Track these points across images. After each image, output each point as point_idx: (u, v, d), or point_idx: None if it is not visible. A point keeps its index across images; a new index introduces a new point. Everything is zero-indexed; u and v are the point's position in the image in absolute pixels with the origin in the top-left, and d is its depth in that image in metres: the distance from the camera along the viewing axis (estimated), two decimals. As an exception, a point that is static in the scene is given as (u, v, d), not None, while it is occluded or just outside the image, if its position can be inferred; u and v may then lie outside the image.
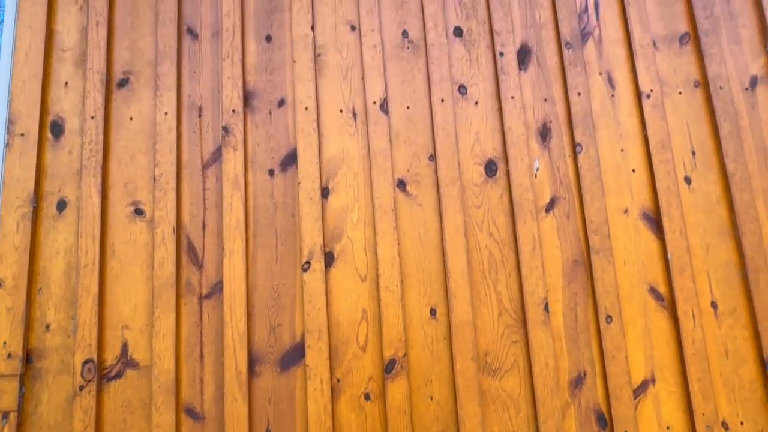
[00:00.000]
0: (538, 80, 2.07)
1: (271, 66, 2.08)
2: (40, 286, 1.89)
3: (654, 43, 2.10)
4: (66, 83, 2.05)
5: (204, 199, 1.96)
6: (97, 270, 1.87)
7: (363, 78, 2.06)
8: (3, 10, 2.14)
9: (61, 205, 1.95)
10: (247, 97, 2.05)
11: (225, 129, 2.00)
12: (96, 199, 1.93)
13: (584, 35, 2.11)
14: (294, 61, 2.06)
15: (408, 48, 2.10)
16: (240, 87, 2.03)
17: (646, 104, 2.03)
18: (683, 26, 2.13)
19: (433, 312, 1.88)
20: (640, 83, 2.05)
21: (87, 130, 1.99)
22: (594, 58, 2.09)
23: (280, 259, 1.92)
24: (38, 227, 1.93)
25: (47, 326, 1.85)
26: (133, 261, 1.91)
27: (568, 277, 1.91)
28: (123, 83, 2.06)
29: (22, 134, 1.98)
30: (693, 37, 2.11)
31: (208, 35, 2.10)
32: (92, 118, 2.00)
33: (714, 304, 1.89)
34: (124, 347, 1.85)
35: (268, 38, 2.10)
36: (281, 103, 2.04)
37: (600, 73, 2.07)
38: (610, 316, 1.86)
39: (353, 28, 2.11)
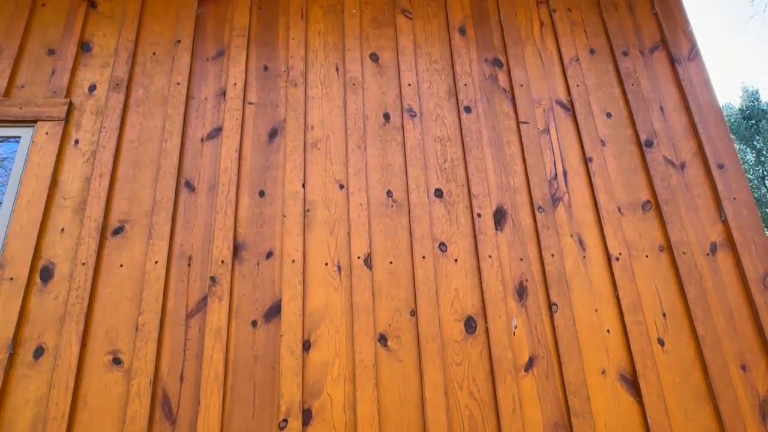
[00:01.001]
0: (513, 240, 2.20)
1: (262, 219, 2.19)
2: (2, 440, 1.80)
3: (619, 209, 2.28)
4: (62, 229, 2.13)
5: (185, 350, 1.96)
6: (66, 423, 1.81)
7: (349, 233, 2.17)
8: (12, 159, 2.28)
9: (39, 352, 1.92)
10: (236, 249, 2.13)
11: (212, 279, 2.05)
12: (75, 347, 1.92)
13: (555, 200, 2.28)
14: (284, 216, 2.18)
15: (392, 206, 2.24)
16: (231, 238, 2.12)
17: (616, 266, 2.15)
18: (645, 194, 2.32)
19: (412, 478, 1.81)
20: (608, 246, 2.18)
21: (76, 276, 2.03)
22: (565, 221, 2.24)
23: (256, 416, 1.87)
24: (11, 375, 1.89)
25: (2, 487, 1.74)
26: (104, 414, 1.85)
27: (549, 441, 1.88)
28: (118, 231, 2.15)
29: (11, 278, 2.02)
30: (654, 205, 2.30)
31: (205, 188, 2.24)
32: (83, 264, 2.05)
33: (698, 474, 1.86)
34: None
35: (261, 193, 2.24)
36: (269, 255, 2.12)
37: (571, 236, 2.21)
38: (593, 486, 1.80)
39: (341, 186, 2.26)
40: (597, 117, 2.47)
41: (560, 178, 2.33)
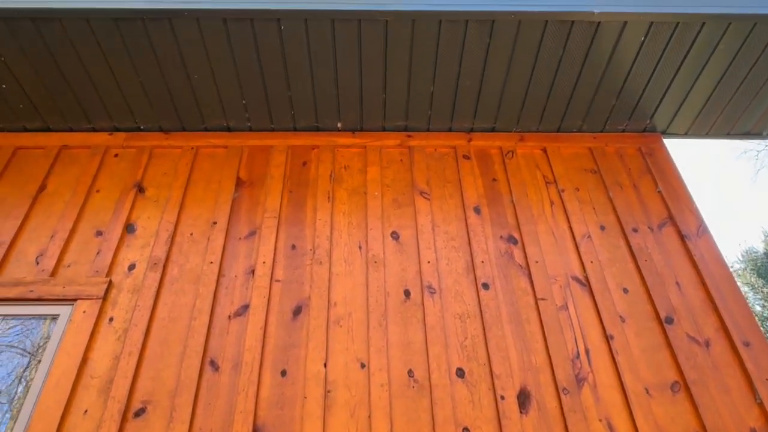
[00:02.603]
0: (539, 425, 2.12)
1: (283, 400, 2.18)
2: None
3: (647, 391, 2.22)
4: (86, 411, 2.15)
5: None
6: None
7: (370, 417, 2.13)
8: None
9: None
10: (255, 433, 2.10)
11: (229, 468, 2.00)
12: None
13: (579, 380, 2.24)
14: (305, 397, 2.18)
15: (413, 387, 2.22)
16: (250, 422, 2.10)
17: (651, 456, 2.04)
18: (672, 374, 2.27)
19: None
20: (640, 433, 2.09)
21: (92, 463, 2.00)
22: (592, 404, 2.18)
23: None
24: None
25: None
26: None
27: None
28: (140, 413, 2.15)
29: (28, 465, 1.99)
30: (683, 386, 2.23)
31: (229, 367, 2.27)
32: (101, 450, 2.03)
33: None
34: None
35: (283, 373, 2.26)
36: (288, 440, 2.08)
37: (600, 420, 2.14)
38: None
39: (363, 365, 2.28)
40: (614, 292, 2.51)
41: (583, 356, 2.31)
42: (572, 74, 2.87)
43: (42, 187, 2.90)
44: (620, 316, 2.44)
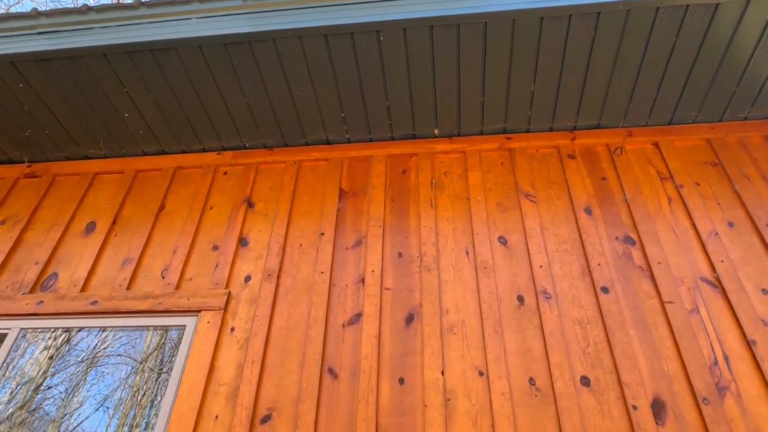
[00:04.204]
0: (679, 438, 1.98)
1: (403, 409, 2.18)
2: None
3: (802, 402, 2.01)
4: (216, 416, 2.25)
5: None
6: None
7: (493, 426, 2.08)
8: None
9: None
10: (379, 441, 2.10)
11: (356, 475, 2.01)
12: None
13: (720, 390, 2.07)
14: (425, 406, 2.16)
15: (536, 396, 2.15)
16: (373, 430, 2.11)
17: (815, 474, 1.84)
18: (830, 383, 2.04)
19: None
20: (799, 448, 1.89)
21: (227, 467, 2.08)
22: (738, 416, 2.00)
23: None
24: None
25: None
26: None
27: None
28: (266, 419, 2.22)
29: (169, 468, 2.11)
30: None
31: (347, 375, 2.30)
32: (233, 454, 2.11)
33: None
34: None
35: (401, 381, 2.26)
36: (412, 449, 2.07)
37: (749, 433, 1.96)
38: None
39: (481, 373, 2.23)
40: (752, 294, 2.31)
41: (722, 363, 2.13)
42: (686, 62, 2.69)
43: (162, 206, 3.10)
44: (762, 320, 2.23)
